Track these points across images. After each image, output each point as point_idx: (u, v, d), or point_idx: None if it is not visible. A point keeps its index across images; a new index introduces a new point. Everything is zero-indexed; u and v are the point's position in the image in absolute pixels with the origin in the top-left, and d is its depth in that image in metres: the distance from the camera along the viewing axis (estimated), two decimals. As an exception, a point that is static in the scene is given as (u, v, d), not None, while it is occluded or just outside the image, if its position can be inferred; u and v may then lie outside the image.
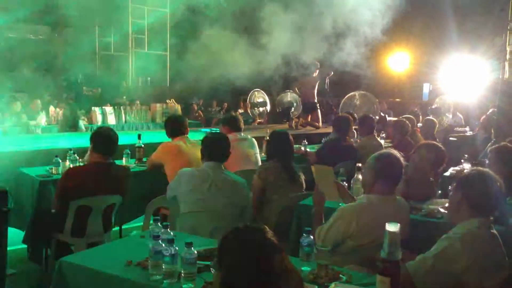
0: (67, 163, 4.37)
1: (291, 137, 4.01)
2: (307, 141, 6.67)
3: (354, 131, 6.54)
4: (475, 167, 2.64)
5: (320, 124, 9.57)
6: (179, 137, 4.60)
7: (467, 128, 9.28)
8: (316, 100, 9.59)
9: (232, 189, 3.19)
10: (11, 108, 9.12)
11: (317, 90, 9.70)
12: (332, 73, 9.83)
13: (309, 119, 9.61)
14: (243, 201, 3.24)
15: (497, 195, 2.25)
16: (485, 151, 5.12)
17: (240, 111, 11.91)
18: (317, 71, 9.42)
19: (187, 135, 4.69)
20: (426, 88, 15.58)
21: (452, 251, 2.12)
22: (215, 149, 3.33)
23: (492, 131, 6.53)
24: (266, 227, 1.55)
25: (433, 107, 9.91)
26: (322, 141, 6.31)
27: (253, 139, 5.11)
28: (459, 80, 11.46)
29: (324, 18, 8.88)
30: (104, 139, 3.74)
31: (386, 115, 9.44)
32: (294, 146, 6.28)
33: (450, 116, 10.32)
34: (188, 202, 3.14)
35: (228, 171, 3.40)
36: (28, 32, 11.81)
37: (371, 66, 13.24)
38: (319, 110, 9.72)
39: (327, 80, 10.16)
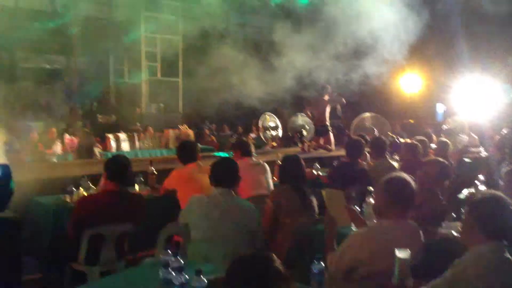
0: (81, 191, 4.42)
1: (302, 161, 4.02)
2: (319, 164, 6.68)
3: (367, 153, 6.52)
4: (487, 190, 2.62)
5: (333, 147, 9.56)
6: (191, 163, 4.64)
7: (482, 149, 9.18)
8: (328, 123, 9.59)
9: (243, 215, 3.20)
10: (28, 137, 9.28)
11: (329, 113, 9.72)
12: (344, 101, 9.86)
13: (321, 142, 9.61)
14: (254, 227, 3.24)
15: (510, 219, 2.22)
16: (499, 172, 5.06)
17: (252, 135, 11.96)
18: (328, 94, 9.44)
19: (199, 161, 4.73)
20: (440, 109, 15.51)
21: (465, 277, 2.09)
22: (223, 175, 3.35)
23: (506, 151, 6.46)
24: (274, 255, 1.55)
25: (445, 128, 9.85)
26: (334, 164, 6.29)
27: (265, 164, 5.13)
28: (472, 100, 11.41)
29: (337, 40, 8.96)
30: (117, 167, 3.79)
31: (399, 137, 9.40)
32: (307, 169, 6.33)
33: (465, 136, 10.23)
34: (200, 229, 3.15)
35: (238, 197, 3.41)
36: (44, 62, 12.12)
37: (383, 87, 13.27)
38: (331, 133, 9.72)
39: (338, 106, 10.17)
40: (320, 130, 9.48)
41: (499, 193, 2.41)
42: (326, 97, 9.37)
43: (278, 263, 1.52)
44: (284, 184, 3.93)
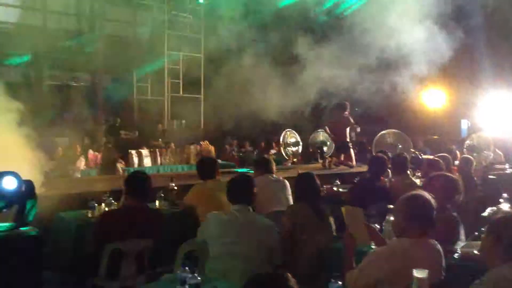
0: (103, 206, 4.48)
1: (317, 178, 4.03)
2: (340, 181, 6.63)
3: (389, 170, 6.45)
4: (510, 209, 2.56)
5: (354, 163, 9.49)
6: (211, 180, 4.67)
7: (507, 166, 8.99)
8: (348, 140, 9.53)
9: (260, 232, 3.20)
10: (53, 153, 9.47)
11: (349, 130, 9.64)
12: (359, 129, 9.80)
13: (342, 159, 9.54)
14: (271, 243, 3.23)
15: None
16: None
17: (273, 151, 11.97)
18: (348, 111, 9.37)
19: (219, 177, 4.76)
20: (464, 125, 15.27)
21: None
22: (239, 192, 3.36)
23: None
24: (289, 275, 1.54)
25: (468, 143, 9.68)
26: (355, 180, 6.24)
27: (285, 181, 5.12)
28: (497, 116, 11.22)
29: (360, 55, 8.94)
30: (137, 183, 3.84)
31: (422, 153, 9.27)
32: (327, 186, 6.30)
33: (490, 153, 10.04)
34: (217, 245, 3.15)
35: (256, 214, 3.42)
36: (69, 79, 12.43)
37: (407, 102, 13.15)
38: (351, 150, 9.65)
39: (353, 133, 10.10)
40: (341, 147, 9.43)
41: None
42: (346, 114, 9.32)
43: (293, 282, 1.51)
44: (299, 201, 3.93)
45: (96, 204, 4.43)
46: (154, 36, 13.56)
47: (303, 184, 4.06)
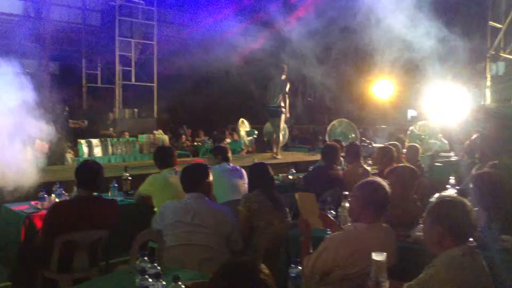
0: (53, 197, 4.33)
1: (270, 168, 4.10)
2: (295, 169, 6.73)
3: (342, 158, 6.59)
4: (442, 196, 2.65)
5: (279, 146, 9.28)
6: (168, 169, 4.61)
7: (452, 153, 9.40)
8: (282, 105, 8.91)
9: (215, 218, 3.19)
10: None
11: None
12: (311, 99, 9.69)
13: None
14: (227, 230, 3.23)
15: (474, 220, 2.26)
16: (470, 176, 5.18)
17: (228, 140, 11.96)
18: (285, 73, 8.89)
19: (176, 167, 4.70)
20: (410, 114, 15.81)
21: (438, 278, 2.12)
22: (193, 180, 3.34)
23: (476, 155, 6.63)
24: (258, 263, 1.53)
25: (411, 130, 10.05)
26: (310, 168, 6.35)
27: (242, 170, 5.13)
28: (442, 105, 11.65)
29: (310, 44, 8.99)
30: (88, 173, 3.73)
31: (372, 142, 9.53)
32: (283, 174, 6.38)
33: (436, 141, 10.45)
34: (174, 235, 3.12)
35: (211, 201, 3.41)
36: (15, 66, 11.84)
37: (357, 93, 13.47)
38: (283, 115, 9.06)
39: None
40: (273, 112, 8.99)
41: (454, 196, 2.48)
42: (283, 77, 8.89)
43: (263, 268, 1.50)
44: (254, 189, 3.98)
45: (46, 195, 4.28)
46: (104, 22, 13.17)
47: (257, 173, 4.11)
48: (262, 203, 3.79)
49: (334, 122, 10.72)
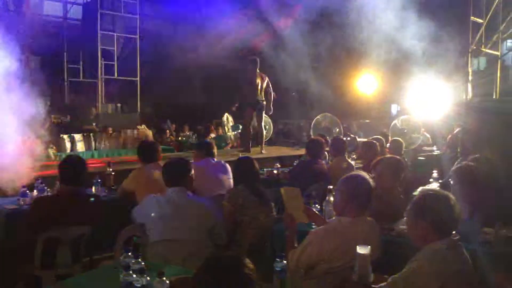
0: (35, 193, 4.27)
1: (255, 162, 4.09)
2: (280, 164, 6.74)
3: (326, 153, 6.62)
4: (425, 190, 2.68)
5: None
6: (152, 164, 4.57)
7: (435, 147, 9.51)
8: (258, 99, 8.60)
9: (198, 212, 3.18)
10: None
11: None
12: (295, 94, 9.52)
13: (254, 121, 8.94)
14: (210, 220, 3.22)
15: (458, 213, 2.29)
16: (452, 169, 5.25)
17: (212, 135, 11.91)
18: (257, 68, 8.55)
19: (160, 162, 4.66)
20: (394, 109, 15.95)
21: (422, 272, 2.14)
22: (175, 174, 3.32)
23: (458, 149, 6.71)
24: (242, 257, 1.52)
25: (393, 124, 10.14)
26: (295, 163, 6.37)
27: (227, 164, 5.12)
28: (425, 100, 11.76)
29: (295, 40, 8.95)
30: (70, 169, 3.69)
31: (356, 136, 9.59)
32: (268, 169, 6.38)
33: (419, 136, 10.55)
34: (156, 230, 3.10)
35: (193, 195, 3.39)
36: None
37: (340, 87, 13.52)
38: (264, 110, 8.78)
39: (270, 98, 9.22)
40: (253, 105, 8.72)
41: (437, 190, 2.51)
42: (258, 71, 8.61)
43: (247, 263, 1.50)
44: (239, 184, 3.97)
45: (28, 191, 4.22)
46: (86, 15, 12.99)
47: (242, 168, 4.12)
48: (247, 198, 3.79)
49: (318, 116, 10.76)
